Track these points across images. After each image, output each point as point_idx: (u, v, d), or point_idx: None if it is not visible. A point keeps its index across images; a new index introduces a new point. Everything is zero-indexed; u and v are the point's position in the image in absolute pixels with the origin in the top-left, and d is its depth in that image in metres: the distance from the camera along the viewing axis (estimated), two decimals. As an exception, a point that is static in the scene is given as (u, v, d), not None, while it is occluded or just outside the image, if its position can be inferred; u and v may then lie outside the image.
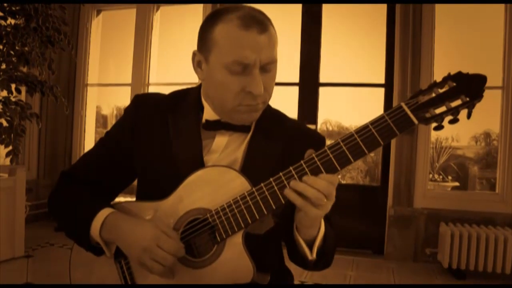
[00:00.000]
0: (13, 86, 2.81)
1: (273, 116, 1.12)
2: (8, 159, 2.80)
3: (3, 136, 2.76)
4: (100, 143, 1.17)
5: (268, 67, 0.98)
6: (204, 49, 1.00)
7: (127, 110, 1.15)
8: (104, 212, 1.02)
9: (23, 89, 2.97)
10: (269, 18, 1.00)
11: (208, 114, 1.07)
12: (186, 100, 1.11)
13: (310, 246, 0.97)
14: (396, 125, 0.86)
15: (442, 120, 0.86)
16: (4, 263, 3.02)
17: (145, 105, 1.12)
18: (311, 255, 0.97)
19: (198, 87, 1.13)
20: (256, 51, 0.94)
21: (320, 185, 0.86)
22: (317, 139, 1.12)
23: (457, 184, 4.75)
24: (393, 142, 3.55)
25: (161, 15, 4.42)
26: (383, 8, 3.75)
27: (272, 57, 0.98)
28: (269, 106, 1.11)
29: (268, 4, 3.92)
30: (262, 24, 0.95)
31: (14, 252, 3.14)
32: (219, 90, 0.99)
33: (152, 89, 4.34)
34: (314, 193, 0.86)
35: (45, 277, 2.86)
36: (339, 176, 4.69)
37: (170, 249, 0.92)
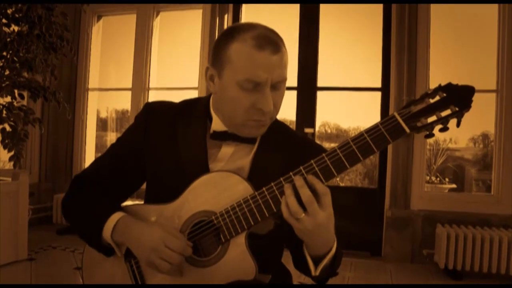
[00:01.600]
0: (16, 91, 2.87)
1: (278, 128, 1.16)
2: (11, 164, 2.85)
3: (7, 141, 2.81)
4: (112, 149, 1.22)
5: (278, 85, 1.02)
6: (218, 65, 1.04)
7: (138, 117, 1.20)
8: (116, 216, 1.08)
9: (26, 94, 3.03)
10: (281, 38, 1.03)
11: (216, 125, 1.11)
12: (196, 110, 1.16)
13: (317, 261, 1.00)
14: (389, 133, 0.91)
15: (433, 129, 0.91)
16: (7, 266, 3.06)
17: (155, 113, 1.17)
18: (315, 272, 1.00)
19: (208, 97, 1.17)
20: (268, 71, 0.98)
21: (303, 193, 0.90)
22: (320, 152, 1.15)
23: (454, 186, 4.79)
24: (390, 144, 3.60)
25: (161, 21, 4.46)
26: (379, 12, 3.81)
27: (282, 76, 1.02)
28: (275, 119, 1.14)
29: (266, 9, 3.99)
30: (275, 44, 0.99)
31: (17, 255, 3.18)
32: (230, 105, 1.03)
33: (152, 94, 4.38)
34: (293, 205, 0.90)
35: (48, 280, 2.90)
36: (337, 179, 4.76)
37: (176, 248, 0.98)
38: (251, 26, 1.02)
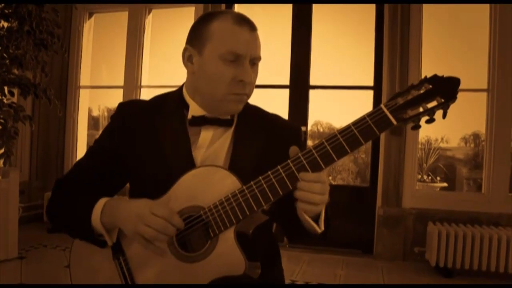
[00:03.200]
0: (6, 88, 2.84)
1: (252, 109, 1.22)
2: (1, 161, 2.83)
3: (-4, 138, 2.78)
4: (90, 151, 1.21)
5: (255, 61, 1.10)
6: (198, 42, 1.09)
7: (113, 117, 1.20)
8: (102, 201, 1.08)
9: (16, 91, 3.00)
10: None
11: (194, 110, 1.14)
12: (170, 101, 1.18)
13: (315, 220, 1.04)
14: (376, 125, 0.91)
15: (419, 120, 0.91)
16: (-3, 265, 3.05)
17: (130, 111, 1.19)
18: (320, 228, 1.04)
19: (180, 89, 1.20)
20: (247, 45, 1.06)
21: (316, 189, 0.95)
22: (294, 130, 1.24)
23: (445, 184, 4.82)
24: (382, 143, 3.62)
25: (153, 18, 4.45)
26: (372, 11, 3.82)
27: (258, 54, 1.10)
28: (247, 103, 1.18)
29: (258, 8, 3.99)
30: (252, 24, 1.09)
31: (7, 254, 3.15)
32: (212, 80, 1.08)
33: (144, 91, 4.37)
34: (317, 199, 0.96)
35: (39, 278, 2.88)
36: (330, 178, 4.78)
37: (162, 214, 0.97)
38: (228, 11, 1.13)
